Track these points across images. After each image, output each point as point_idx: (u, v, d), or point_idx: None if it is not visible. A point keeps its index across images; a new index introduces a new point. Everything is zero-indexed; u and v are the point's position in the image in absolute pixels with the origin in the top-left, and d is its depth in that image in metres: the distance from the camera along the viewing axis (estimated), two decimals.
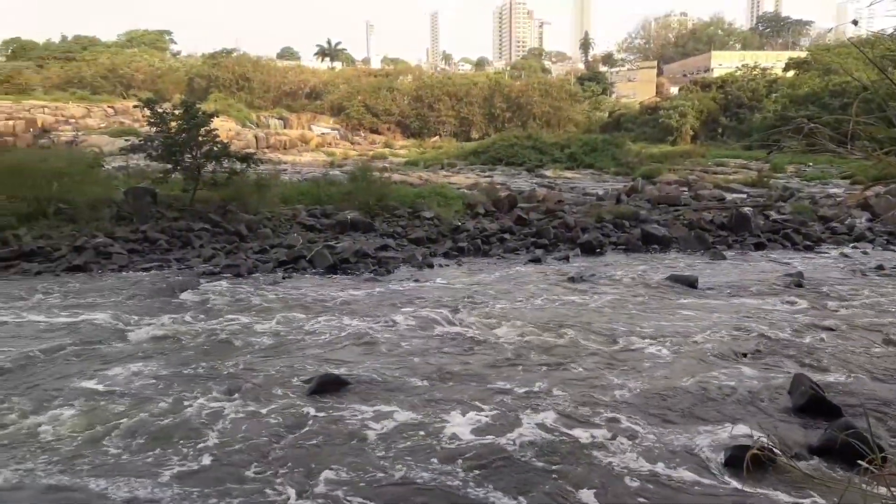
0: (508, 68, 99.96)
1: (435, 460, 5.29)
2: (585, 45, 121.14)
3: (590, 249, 15.24)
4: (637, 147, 42.25)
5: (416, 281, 12.13)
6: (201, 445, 5.52)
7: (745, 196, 24.85)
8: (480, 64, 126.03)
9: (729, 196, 24.67)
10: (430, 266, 13.53)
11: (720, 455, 5.32)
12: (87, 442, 5.56)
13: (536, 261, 14.06)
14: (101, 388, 6.75)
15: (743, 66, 60.33)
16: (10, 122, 38.01)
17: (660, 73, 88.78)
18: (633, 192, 24.87)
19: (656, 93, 75.44)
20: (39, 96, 50.87)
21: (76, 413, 6.11)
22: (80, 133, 38.18)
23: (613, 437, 5.69)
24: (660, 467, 5.20)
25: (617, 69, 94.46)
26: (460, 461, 5.27)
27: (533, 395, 6.65)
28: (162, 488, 4.83)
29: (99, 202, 16.04)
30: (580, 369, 7.42)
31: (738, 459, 5.10)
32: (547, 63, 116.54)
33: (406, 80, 66.44)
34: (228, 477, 5.02)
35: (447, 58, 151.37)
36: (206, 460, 5.26)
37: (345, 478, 5.02)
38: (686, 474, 5.10)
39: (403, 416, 6.14)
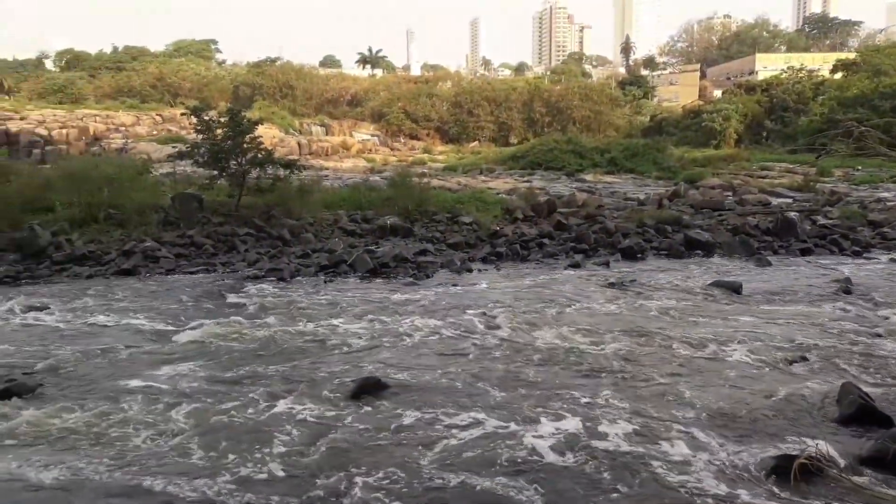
0: (548, 73, 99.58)
1: (473, 466, 5.31)
2: (626, 48, 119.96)
3: (631, 255, 15.09)
4: (679, 151, 41.62)
5: (455, 285, 12.18)
6: (244, 445, 5.64)
7: (790, 200, 24.29)
8: (520, 69, 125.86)
9: (774, 201, 24.12)
10: (469, 271, 13.56)
11: (765, 464, 5.23)
12: (137, 441, 5.73)
13: (576, 266, 13.98)
14: (150, 388, 6.95)
15: (789, 68, 58.97)
16: (64, 131, 39.31)
17: (703, 77, 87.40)
18: (675, 196, 24.51)
19: (699, 96, 74.23)
20: (91, 105, 52.55)
21: (126, 413, 6.31)
22: (129, 140, 39.28)
23: (653, 444, 5.64)
24: (702, 475, 5.14)
25: (659, 73, 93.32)
26: (499, 467, 5.29)
27: (571, 400, 6.63)
28: (205, 486, 4.95)
29: (147, 208, 16.48)
30: (619, 375, 7.36)
31: (784, 469, 5.00)
32: (587, 67, 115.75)
33: (445, 86, 66.73)
34: (270, 476, 5.12)
35: (487, 63, 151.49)
36: (249, 459, 5.38)
37: (383, 481, 5.08)
38: (729, 483, 5.03)
39: (442, 420, 6.18)
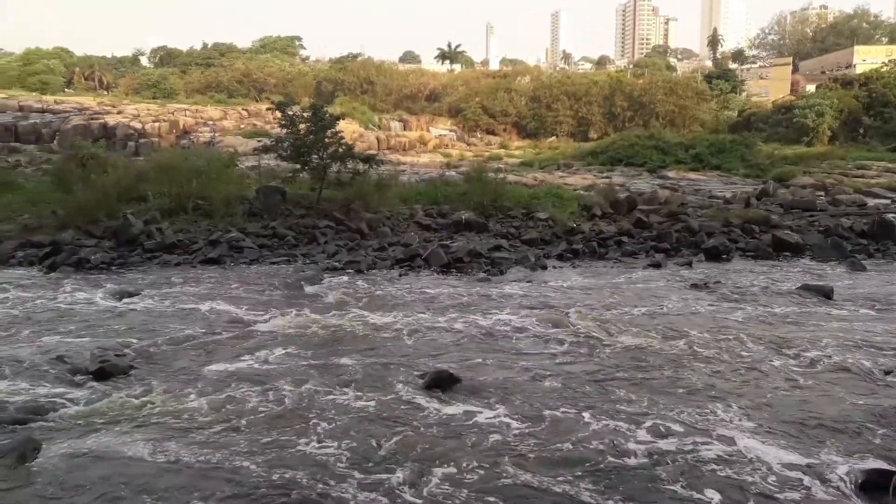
0: (631, 66, 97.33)
1: (544, 464, 5.26)
2: (714, 41, 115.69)
3: (715, 255, 14.60)
4: (769, 148, 39.91)
5: (529, 282, 12.09)
6: (320, 433, 5.77)
7: (889, 201, 22.91)
8: (601, 63, 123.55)
9: (871, 201, 22.84)
10: (544, 268, 13.44)
11: (856, 477, 4.96)
12: (220, 424, 5.95)
13: (657, 266, 13.63)
14: (233, 374, 7.21)
15: (890, 61, 55.51)
16: (157, 124, 41.21)
17: (795, 70, 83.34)
18: (763, 195, 23.56)
19: (791, 91, 70.90)
20: (182, 100, 54.92)
21: (210, 397, 6.56)
22: (217, 134, 40.82)
23: (734, 451, 5.43)
24: (788, 485, 4.92)
25: (748, 66, 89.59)
26: (570, 467, 5.22)
27: (649, 404, 6.47)
28: (283, 471, 5.10)
29: (233, 199, 17.09)
30: (700, 380, 7.13)
31: (877, 485, 4.73)
32: (672, 61, 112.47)
33: (524, 81, 66.19)
34: (344, 465, 5.22)
35: (567, 57, 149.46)
36: (324, 448, 5.50)
37: (455, 475, 5.10)
38: (817, 496, 4.79)
39: (514, 417, 6.15)
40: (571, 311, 9.87)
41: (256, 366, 7.46)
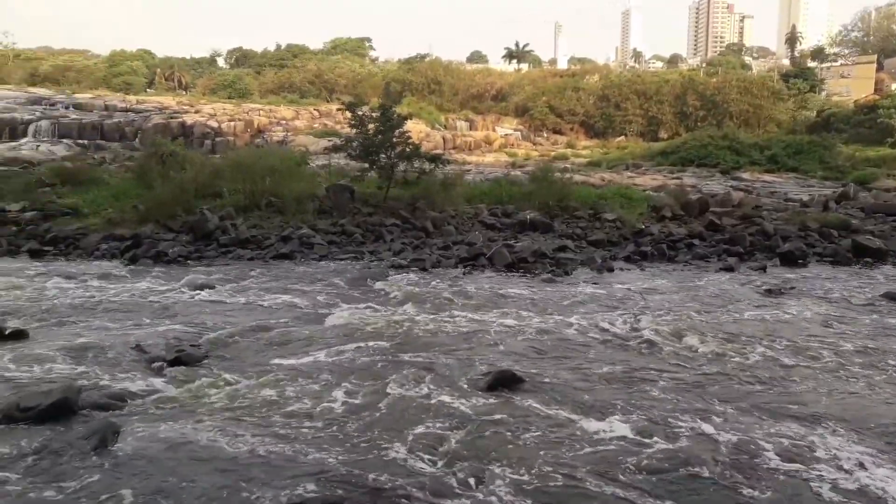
0: (704, 65, 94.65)
1: (608, 470, 5.19)
2: (792, 39, 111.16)
3: (791, 260, 14.08)
4: (849, 149, 38.12)
5: (595, 284, 11.95)
6: (385, 428, 5.86)
7: None
8: (673, 61, 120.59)
9: None
10: (610, 270, 13.24)
11: None
12: (289, 416, 6.12)
13: (729, 269, 13.24)
14: (302, 367, 7.40)
15: None
16: (232, 124, 42.55)
17: (879, 69, 79.23)
18: (843, 198, 22.57)
19: (875, 90, 67.46)
20: (256, 100, 56.53)
21: (280, 389, 6.76)
22: (289, 133, 41.85)
23: (804, 463, 5.24)
24: (864, 501, 4.72)
25: (828, 65, 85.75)
26: (634, 475, 5.14)
27: (716, 411, 6.31)
28: (346, 465, 5.20)
29: (304, 197, 17.50)
30: (769, 388, 6.91)
31: None
32: (747, 59, 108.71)
33: (592, 80, 65.25)
34: (408, 461, 5.29)
35: (637, 56, 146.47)
36: (389, 443, 5.58)
37: (518, 476, 5.09)
38: None
39: (578, 420, 6.10)
40: (639, 315, 9.71)
41: (325, 359, 7.63)
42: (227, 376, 7.04)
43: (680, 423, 5.99)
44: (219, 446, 5.45)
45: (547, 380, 7.11)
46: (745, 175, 32.93)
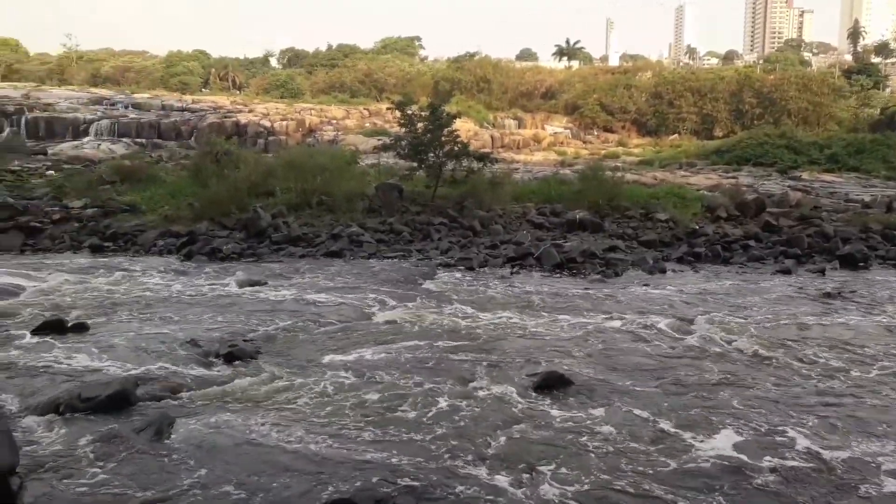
0: (761, 61, 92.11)
1: (656, 474, 5.11)
2: (855, 34, 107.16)
3: (851, 263, 13.60)
4: None
5: (646, 285, 11.75)
6: (433, 427, 5.88)
7: None
8: (728, 57, 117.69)
9: None
10: (662, 271, 13.00)
11: None
12: (339, 412, 6.19)
13: (786, 272, 12.86)
14: (352, 363, 7.48)
15: None
16: (284, 123, 43.28)
17: None
18: None
19: None
20: (307, 99, 57.37)
21: (331, 384, 6.84)
22: (339, 133, 42.36)
23: (866, 475, 5.05)
24: None
25: (893, 60, 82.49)
26: (682, 480, 5.04)
27: (768, 417, 6.14)
28: (396, 464, 5.23)
29: (354, 195, 17.67)
30: (827, 395, 6.68)
31: None
32: (806, 55, 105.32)
33: (645, 77, 64.15)
34: (454, 460, 5.29)
35: (691, 52, 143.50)
36: (437, 443, 5.59)
37: (565, 477, 5.05)
38: None
39: (627, 422, 6.01)
40: (692, 317, 9.51)
41: (373, 357, 7.69)
42: (278, 371, 7.16)
43: (734, 428, 5.85)
44: (269, 440, 5.55)
45: (595, 382, 7.02)
46: (804, 175, 31.93)
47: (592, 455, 5.40)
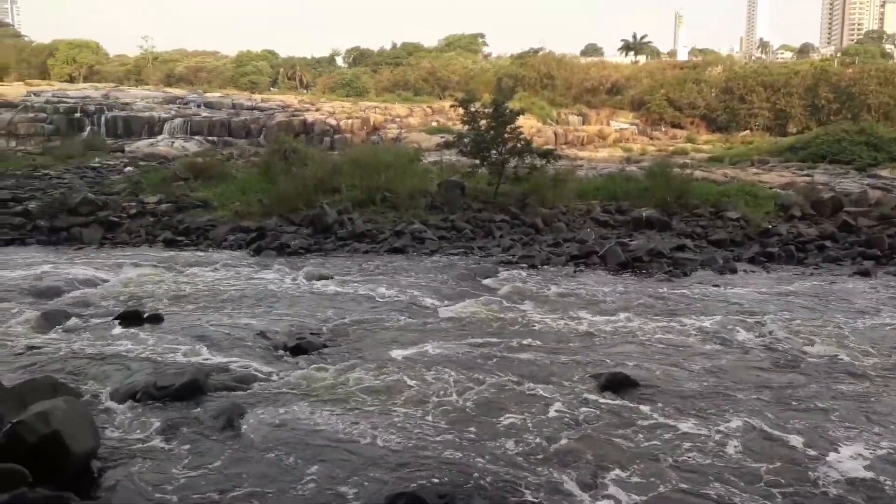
0: (838, 54, 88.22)
1: (722, 479, 4.98)
2: None
3: None
4: None
5: (716, 286, 11.43)
6: (491, 423, 5.89)
7: None
8: (803, 51, 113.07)
9: None
10: (733, 271, 12.63)
11: None
12: (403, 406, 6.26)
13: (864, 274, 12.30)
14: (415, 358, 7.55)
15: None
16: (350, 121, 43.91)
17: None
18: None
19: None
20: (372, 98, 58.04)
21: (395, 378, 6.91)
22: (403, 131, 42.71)
23: None
24: None
25: None
26: (749, 484, 4.90)
27: (842, 426, 5.89)
28: (460, 461, 5.26)
29: (417, 193, 17.79)
30: None
31: None
32: (888, 47, 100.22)
33: (715, 72, 62.27)
34: (517, 459, 5.28)
35: (764, 46, 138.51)
36: (500, 440, 5.59)
37: (631, 480, 4.98)
38: None
39: (694, 427, 5.87)
40: (764, 319, 9.20)
41: (436, 352, 7.74)
42: (343, 365, 7.29)
43: (805, 435, 5.65)
44: (335, 432, 5.66)
45: (661, 384, 6.88)
46: (884, 172, 30.33)
47: (658, 457, 5.30)
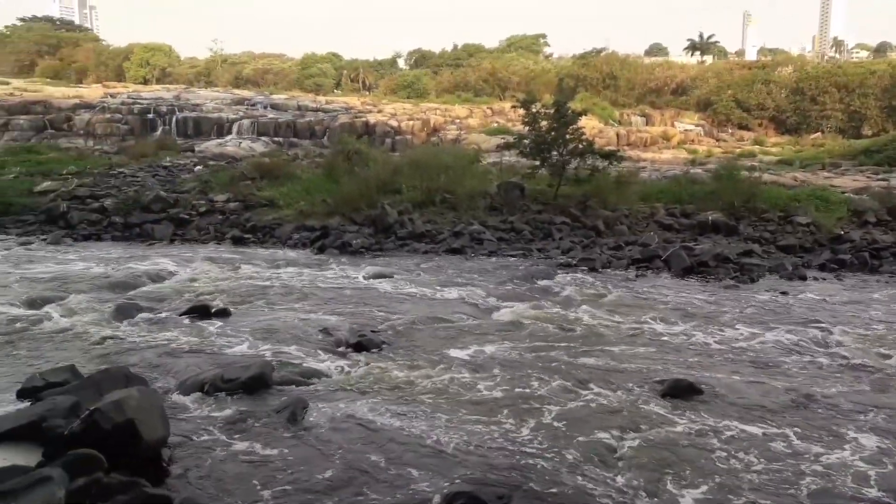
0: None
1: (792, 495, 4.81)
2: None
3: None
4: None
5: (784, 293, 11.06)
6: (550, 426, 5.83)
7: None
8: (881, 50, 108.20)
9: None
10: (803, 278, 12.20)
11: None
12: (461, 407, 6.27)
13: None
14: (472, 358, 7.57)
15: None
16: (410, 122, 44.25)
17: None
18: None
19: None
20: (432, 99, 58.35)
21: (453, 378, 6.94)
22: (462, 132, 42.79)
23: None
24: None
25: None
26: (822, 497, 4.72)
27: None
28: (519, 465, 5.24)
29: (476, 194, 17.83)
30: None
31: None
32: None
33: (785, 72, 60.23)
34: (576, 464, 5.22)
35: (838, 45, 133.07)
36: (559, 444, 5.54)
37: (696, 490, 4.87)
38: None
39: (763, 439, 5.70)
40: (835, 329, 8.86)
41: (494, 354, 7.74)
42: (403, 363, 7.37)
43: (878, 452, 5.41)
44: (395, 428, 5.73)
45: (726, 393, 6.70)
46: None
47: (724, 467, 5.17)
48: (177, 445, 5.32)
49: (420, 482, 4.88)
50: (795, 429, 5.86)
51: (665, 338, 8.55)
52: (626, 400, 6.44)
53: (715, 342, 8.39)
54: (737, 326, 9.04)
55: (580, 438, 5.59)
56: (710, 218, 16.56)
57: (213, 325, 8.65)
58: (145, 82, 69.93)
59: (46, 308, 9.22)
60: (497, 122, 46.34)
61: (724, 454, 5.39)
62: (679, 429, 5.84)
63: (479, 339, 8.27)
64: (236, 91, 57.22)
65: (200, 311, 9.09)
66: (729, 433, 5.77)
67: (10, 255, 12.97)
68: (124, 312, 9.07)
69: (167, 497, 4.37)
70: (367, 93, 69.39)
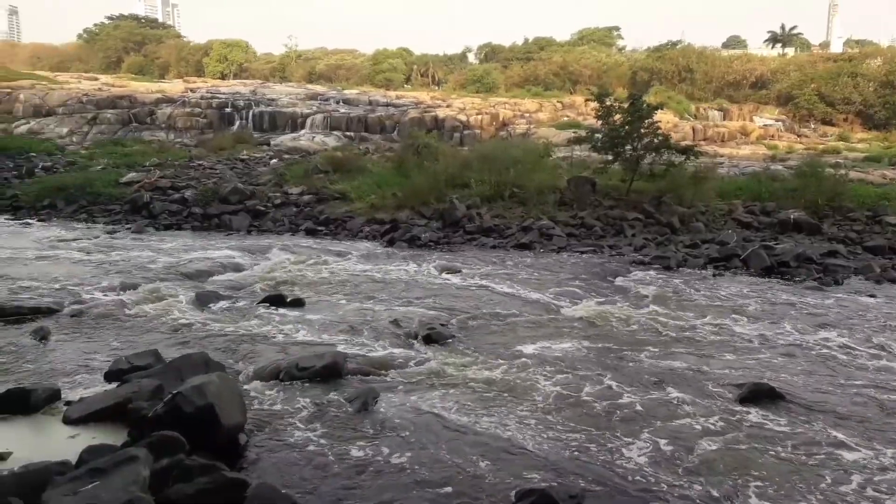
0: None
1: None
2: None
3: None
4: None
5: (872, 296, 10.52)
6: (622, 427, 5.72)
7: None
8: None
9: None
10: (892, 281, 11.59)
11: None
12: (528, 404, 6.24)
13: None
14: (541, 355, 7.49)
15: None
16: (479, 117, 44.17)
17: None
18: None
19: None
20: (502, 94, 58.07)
21: (519, 374, 6.91)
22: (532, 126, 42.43)
23: None
24: None
25: None
26: None
27: None
28: (586, 462, 5.16)
29: (545, 188, 17.63)
30: None
31: None
32: None
33: (874, 64, 57.13)
34: (649, 466, 5.11)
35: None
36: (627, 443, 5.44)
37: (776, 496, 4.68)
38: None
39: (846, 448, 5.45)
40: None
41: (564, 351, 7.65)
42: (471, 357, 7.37)
43: None
44: (465, 423, 5.73)
45: (808, 399, 6.42)
46: None
47: (804, 475, 4.96)
48: (253, 431, 5.47)
49: (490, 477, 4.87)
50: (886, 441, 5.55)
51: (743, 340, 8.26)
52: (703, 403, 6.25)
53: (796, 346, 8.05)
54: (820, 330, 8.65)
55: (653, 440, 5.47)
56: (791, 216, 15.90)
57: (288, 314, 8.86)
58: (223, 77, 72.29)
59: (131, 294, 9.64)
60: (567, 115, 45.76)
61: (807, 462, 5.18)
62: (758, 434, 5.63)
63: (548, 336, 8.19)
64: (310, 86, 58.47)
65: (276, 301, 9.33)
66: (811, 441, 5.54)
67: (98, 243, 13.61)
68: (204, 300, 9.40)
69: (244, 481, 4.50)
70: (437, 88, 69.66)
